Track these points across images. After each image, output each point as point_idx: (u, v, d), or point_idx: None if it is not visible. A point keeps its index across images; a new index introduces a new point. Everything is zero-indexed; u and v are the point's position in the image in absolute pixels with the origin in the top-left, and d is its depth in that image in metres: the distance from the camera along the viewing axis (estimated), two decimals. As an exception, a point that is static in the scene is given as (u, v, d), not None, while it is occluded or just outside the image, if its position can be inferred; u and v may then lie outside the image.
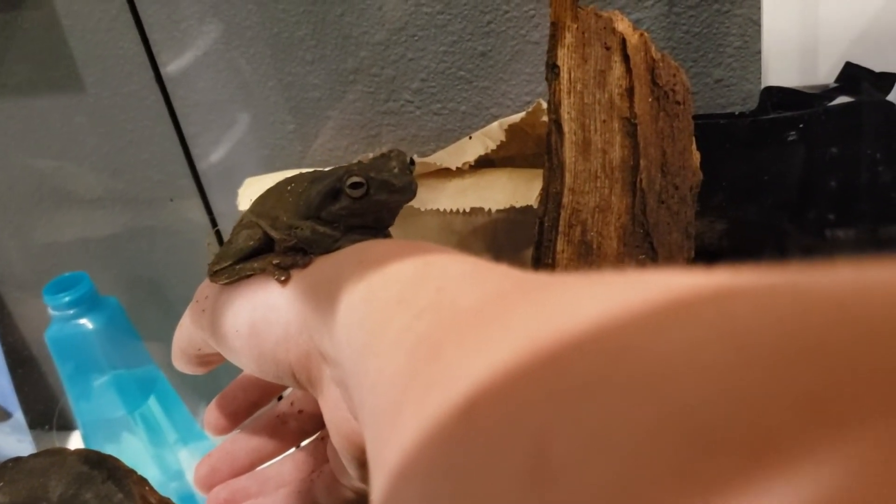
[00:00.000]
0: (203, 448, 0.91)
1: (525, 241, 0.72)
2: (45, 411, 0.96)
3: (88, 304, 0.78)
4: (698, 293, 0.16)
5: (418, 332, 0.24)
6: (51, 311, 0.78)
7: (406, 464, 0.19)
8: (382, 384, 0.24)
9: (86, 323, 0.78)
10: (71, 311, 0.78)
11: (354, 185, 0.36)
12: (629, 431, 0.14)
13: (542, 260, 0.45)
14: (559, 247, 0.45)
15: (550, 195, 0.46)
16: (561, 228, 0.45)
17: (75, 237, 0.82)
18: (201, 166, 0.73)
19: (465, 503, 0.17)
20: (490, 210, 0.67)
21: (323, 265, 0.36)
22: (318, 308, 0.32)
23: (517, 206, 0.65)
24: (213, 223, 0.73)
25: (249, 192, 0.72)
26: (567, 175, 0.45)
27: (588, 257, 0.45)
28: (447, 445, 0.18)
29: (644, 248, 0.45)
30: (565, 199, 0.45)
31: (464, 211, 0.67)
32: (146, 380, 0.85)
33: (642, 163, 0.45)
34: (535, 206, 0.66)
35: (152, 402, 0.85)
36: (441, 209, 0.67)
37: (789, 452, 0.11)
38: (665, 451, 0.13)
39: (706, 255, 0.55)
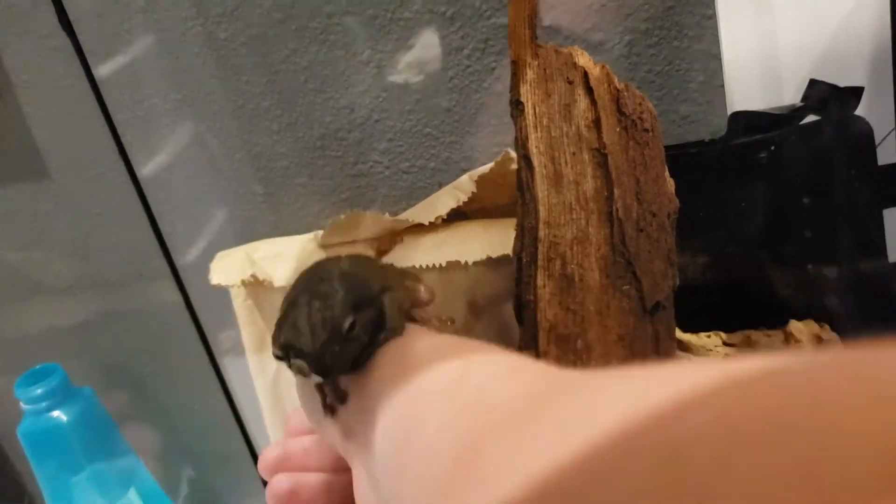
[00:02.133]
0: (189, 541, 0.87)
1: (505, 294, 0.71)
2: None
3: (62, 395, 0.76)
4: (704, 387, 0.17)
5: (459, 430, 0.25)
6: (23, 406, 0.75)
7: None
8: (424, 478, 0.26)
9: (60, 416, 0.75)
10: (44, 404, 0.75)
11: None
12: None
13: (524, 296, 0.44)
14: (540, 281, 0.44)
15: (526, 230, 0.45)
16: (540, 263, 0.44)
17: (46, 327, 0.80)
18: (172, 244, 0.72)
19: None
20: (467, 263, 0.65)
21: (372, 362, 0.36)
22: (362, 401, 0.35)
23: (493, 256, 0.64)
24: (187, 302, 0.71)
25: (221, 265, 0.70)
26: (541, 209, 0.44)
27: (571, 290, 0.43)
28: None
29: (627, 279, 0.44)
30: (541, 233, 0.44)
31: (440, 266, 0.66)
32: (125, 471, 0.81)
33: (616, 192, 0.44)
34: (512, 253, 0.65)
35: (132, 495, 0.81)
36: (416, 265, 0.66)
37: None
38: None
39: (691, 290, 0.54)
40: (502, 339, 0.72)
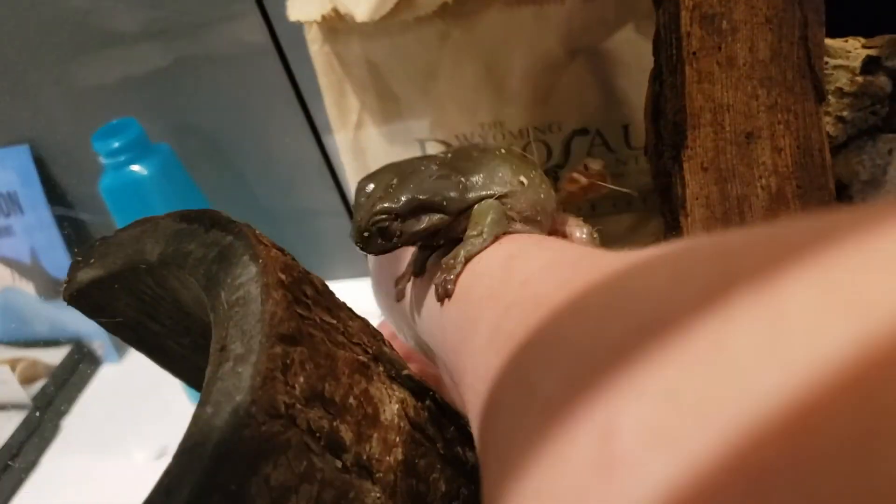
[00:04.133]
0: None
1: (603, 31, 0.66)
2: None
3: (140, 149, 0.74)
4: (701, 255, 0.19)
5: (506, 331, 0.26)
6: (102, 160, 0.74)
7: (503, 466, 0.22)
8: (480, 386, 0.26)
9: (139, 170, 0.74)
10: (122, 158, 0.74)
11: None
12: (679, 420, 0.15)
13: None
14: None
15: None
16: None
17: (120, 79, 0.77)
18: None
19: (544, 497, 0.18)
20: (567, -10, 0.60)
21: None
22: (416, 308, 0.37)
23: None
24: (276, 41, 0.66)
25: (297, 4, 0.66)
26: None
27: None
28: (530, 446, 0.20)
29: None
30: None
31: (535, -5, 0.61)
32: (207, 230, 0.81)
33: None
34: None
35: (216, 254, 0.81)
36: (509, -6, 0.61)
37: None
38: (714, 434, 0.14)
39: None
40: (596, 76, 0.68)
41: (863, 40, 0.49)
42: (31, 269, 0.92)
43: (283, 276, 0.30)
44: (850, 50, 0.48)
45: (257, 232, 0.33)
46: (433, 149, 0.74)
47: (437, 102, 0.71)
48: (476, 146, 0.39)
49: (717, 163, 0.39)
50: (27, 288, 0.93)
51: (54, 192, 0.88)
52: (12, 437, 0.84)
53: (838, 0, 0.49)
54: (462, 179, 0.36)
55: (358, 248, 0.35)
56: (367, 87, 0.72)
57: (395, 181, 0.35)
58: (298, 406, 0.27)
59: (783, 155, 0.40)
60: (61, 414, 0.91)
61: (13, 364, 0.90)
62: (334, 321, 0.31)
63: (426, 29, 0.67)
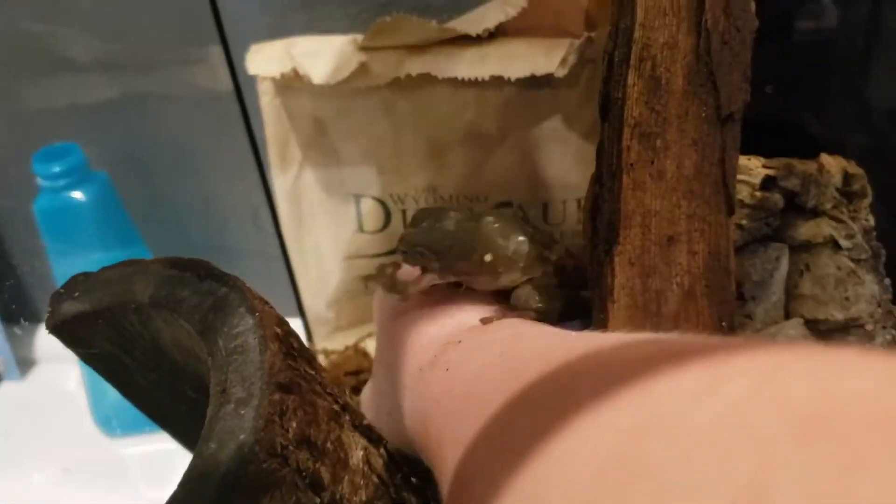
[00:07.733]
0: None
1: (534, 119, 0.73)
2: (16, 303, 0.92)
3: (79, 175, 0.75)
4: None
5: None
6: (40, 182, 0.75)
7: None
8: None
9: (77, 196, 0.75)
10: (61, 182, 0.75)
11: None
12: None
13: (612, 94, 0.46)
14: (630, 80, 0.45)
15: (620, 30, 0.46)
16: (632, 62, 0.45)
17: (67, 105, 0.78)
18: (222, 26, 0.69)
19: None
20: (509, 79, 0.67)
21: None
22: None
23: (538, 73, 0.66)
24: (238, 89, 0.69)
25: (259, 57, 0.70)
26: (638, 10, 0.45)
27: (657, 92, 0.45)
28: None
29: (707, 87, 0.46)
30: (636, 34, 0.45)
31: (482, 79, 0.67)
32: (134, 260, 0.82)
33: (707, 3, 0.46)
34: (556, 74, 0.67)
35: (139, 284, 0.83)
36: (459, 77, 0.67)
37: None
38: None
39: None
40: (524, 157, 0.75)
41: (763, 160, 0.57)
42: (-62, 280, 0.90)
43: (277, 330, 0.33)
44: (753, 168, 0.56)
45: (247, 286, 0.37)
46: (367, 204, 0.79)
47: (376, 163, 0.76)
48: (487, 211, 0.47)
49: (642, 259, 0.46)
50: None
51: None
52: None
53: (746, 124, 0.57)
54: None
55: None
56: (311, 141, 0.76)
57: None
58: (291, 448, 0.30)
59: (696, 258, 0.47)
60: (-46, 430, 0.89)
61: None
62: (313, 372, 0.35)
63: (375, 96, 0.72)
